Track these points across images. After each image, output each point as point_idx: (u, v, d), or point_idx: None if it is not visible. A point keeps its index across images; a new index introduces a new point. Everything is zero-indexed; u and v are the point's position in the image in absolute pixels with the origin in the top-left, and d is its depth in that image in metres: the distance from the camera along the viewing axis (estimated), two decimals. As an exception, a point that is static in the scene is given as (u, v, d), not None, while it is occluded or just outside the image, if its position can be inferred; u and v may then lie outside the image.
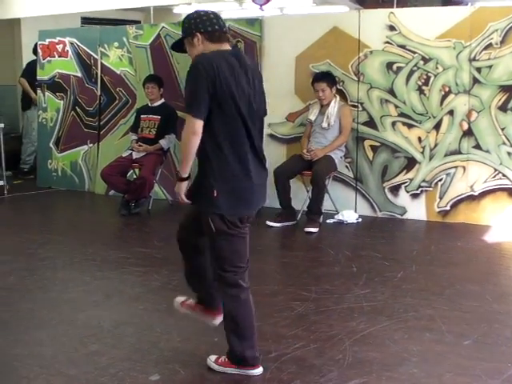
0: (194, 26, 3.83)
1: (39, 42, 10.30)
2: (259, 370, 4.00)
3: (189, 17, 3.90)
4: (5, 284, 5.77)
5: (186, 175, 3.83)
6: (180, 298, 4.45)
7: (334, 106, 7.66)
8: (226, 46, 3.87)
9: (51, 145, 10.27)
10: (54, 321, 4.94)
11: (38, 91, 10.36)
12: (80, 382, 3.94)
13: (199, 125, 3.67)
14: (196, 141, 3.69)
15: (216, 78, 3.66)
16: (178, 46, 4.04)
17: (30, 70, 10.59)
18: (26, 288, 5.70)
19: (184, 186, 3.85)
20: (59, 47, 10.09)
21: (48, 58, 10.18)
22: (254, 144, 3.87)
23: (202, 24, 3.81)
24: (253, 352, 4.00)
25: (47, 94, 10.23)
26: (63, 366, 4.12)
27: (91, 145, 9.85)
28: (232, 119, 3.76)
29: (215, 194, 3.75)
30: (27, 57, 11.16)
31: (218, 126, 3.73)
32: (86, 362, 4.10)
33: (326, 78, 7.70)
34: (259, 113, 3.97)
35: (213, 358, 4.11)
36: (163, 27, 9.03)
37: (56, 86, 10.14)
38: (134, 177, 8.66)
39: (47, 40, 10.19)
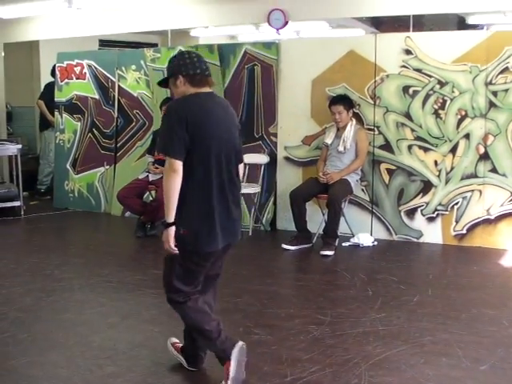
0: (177, 68, 4.01)
1: (57, 64, 10.38)
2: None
3: (173, 58, 4.11)
4: (21, 305, 5.78)
5: (172, 220, 3.85)
6: None
7: (351, 130, 7.67)
8: (206, 89, 4.03)
9: (68, 166, 10.32)
10: (69, 342, 4.95)
11: (56, 113, 10.43)
12: (95, 404, 3.96)
13: (178, 164, 3.77)
14: (178, 180, 3.78)
15: (187, 122, 3.79)
16: (164, 83, 4.17)
17: (48, 92, 10.66)
18: (42, 309, 5.72)
19: (172, 232, 3.86)
20: (77, 69, 10.16)
21: (66, 80, 10.25)
22: (223, 185, 3.95)
23: (185, 67, 3.98)
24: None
25: (65, 115, 10.29)
26: (78, 388, 4.13)
27: (108, 166, 9.89)
28: (202, 160, 3.87)
29: (181, 232, 3.87)
30: (45, 78, 11.23)
31: (188, 166, 3.82)
32: (101, 384, 4.10)
33: (343, 100, 7.72)
34: (234, 155, 4.07)
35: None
36: (180, 50, 9.07)
37: (73, 107, 10.21)
38: (151, 199, 8.68)
39: (65, 62, 10.26)
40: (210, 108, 3.95)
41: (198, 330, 4.13)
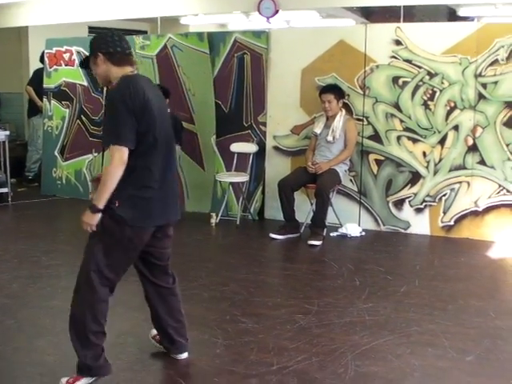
0: (96, 46, 3.96)
1: (46, 51, 10.33)
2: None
3: (94, 37, 4.05)
4: (8, 291, 5.78)
5: (102, 207, 3.78)
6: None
7: (340, 120, 7.66)
8: (129, 69, 3.94)
9: (56, 153, 10.28)
10: (56, 329, 4.93)
11: (44, 99, 10.38)
12: (81, 391, 3.95)
13: (126, 155, 3.69)
14: (122, 170, 3.70)
15: (136, 106, 3.73)
16: (86, 64, 4.09)
17: (37, 78, 10.61)
18: (29, 296, 5.71)
19: (97, 218, 3.80)
20: (66, 56, 10.11)
21: (55, 67, 10.20)
22: (166, 166, 3.95)
23: (105, 45, 3.92)
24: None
25: (53, 102, 10.25)
26: (65, 375, 4.09)
27: (96, 154, 9.85)
28: (147, 146, 3.81)
29: (117, 204, 3.79)
30: (34, 65, 11.18)
31: (138, 148, 3.76)
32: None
33: (334, 90, 7.71)
34: (171, 138, 4.07)
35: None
36: (170, 38, 9.05)
37: (62, 94, 10.17)
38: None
39: (54, 48, 10.21)
40: (148, 91, 3.88)
41: (83, 325, 3.91)
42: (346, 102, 7.91)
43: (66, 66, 10.12)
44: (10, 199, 9.67)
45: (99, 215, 3.78)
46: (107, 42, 3.92)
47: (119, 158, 3.68)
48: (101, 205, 3.75)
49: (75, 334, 3.91)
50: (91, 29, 12.57)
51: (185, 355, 4.38)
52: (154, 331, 4.53)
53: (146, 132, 3.77)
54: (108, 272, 3.91)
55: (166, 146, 3.95)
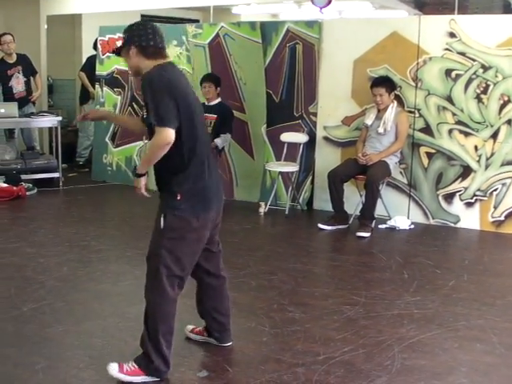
0: (130, 38, 3.95)
1: (99, 38, 10.42)
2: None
3: (127, 28, 4.01)
4: (58, 274, 5.88)
5: (144, 172, 3.92)
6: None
7: (391, 112, 7.60)
8: (161, 62, 3.91)
9: (107, 139, 10.38)
10: (105, 313, 5.02)
11: (97, 86, 10.49)
12: (129, 375, 4.00)
13: (173, 133, 3.69)
14: (166, 150, 3.72)
15: (175, 90, 3.75)
16: (118, 52, 4.10)
17: (90, 65, 10.72)
18: (79, 279, 5.81)
19: (144, 181, 3.92)
20: (119, 43, 10.09)
21: (107, 54, 10.29)
22: (208, 152, 4.01)
23: (138, 38, 3.90)
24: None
25: (105, 89, 10.35)
26: (113, 358, 4.16)
27: (146, 141, 9.88)
28: (191, 129, 3.84)
29: (179, 198, 3.82)
30: (87, 52, 11.29)
31: (183, 135, 3.78)
32: (135, 355, 4.12)
33: (385, 83, 7.66)
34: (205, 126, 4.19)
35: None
36: (222, 26, 9.07)
37: (114, 81, 10.26)
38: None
39: (107, 36, 10.30)
40: (182, 79, 3.96)
41: (155, 325, 3.92)
42: (398, 93, 7.85)
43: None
44: (61, 184, 9.82)
45: (144, 178, 3.91)
46: (141, 35, 3.90)
47: (165, 137, 3.67)
48: (143, 171, 3.90)
49: (147, 334, 3.94)
50: (144, 17, 12.63)
51: (230, 344, 4.42)
52: (190, 326, 4.56)
53: (189, 120, 3.80)
54: (177, 269, 3.90)
55: (205, 134, 4.03)
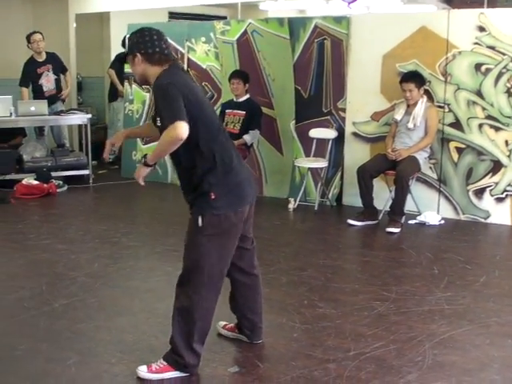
0: (135, 45, 3.92)
1: (128, 36, 10.44)
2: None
3: (132, 35, 4.00)
4: (89, 270, 5.93)
5: (152, 164, 3.90)
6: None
7: (421, 107, 7.55)
8: (167, 67, 3.92)
9: (136, 136, 10.42)
10: (135, 309, 5.06)
11: (125, 83, 10.54)
12: (160, 370, 4.03)
13: (187, 128, 3.64)
14: (178, 144, 3.68)
15: (185, 91, 3.75)
16: (125, 59, 4.10)
17: (118, 62, 10.75)
18: (110, 275, 5.85)
19: (147, 172, 3.92)
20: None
21: (136, 52, 10.31)
22: (230, 145, 4.02)
23: (144, 45, 3.88)
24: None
25: (134, 86, 10.39)
26: (144, 354, 4.21)
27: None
28: (210, 123, 3.88)
29: (213, 197, 3.81)
30: (115, 50, 11.34)
31: (201, 133, 3.80)
32: (165, 351, 4.15)
33: (415, 78, 7.60)
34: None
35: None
36: (250, 23, 9.07)
37: (143, 78, 10.27)
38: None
39: (136, 33, 10.32)
40: (188, 76, 4.06)
41: (192, 323, 3.94)
42: (427, 88, 7.80)
43: (147, 50, 10.21)
44: (91, 181, 9.90)
45: (149, 169, 3.90)
46: (146, 41, 3.88)
47: (178, 129, 3.61)
48: (152, 162, 3.88)
49: (179, 329, 3.94)
50: (171, 14, 12.70)
51: (261, 341, 4.43)
52: (222, 322, 4.57)
53: (204, 118, 3.83)
54: (217, 266, 3.93)
55: (224, 130, 4.05)
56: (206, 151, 3.80)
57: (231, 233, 3.91)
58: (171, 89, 3.71)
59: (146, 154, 3.94)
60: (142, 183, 3.94)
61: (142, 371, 3.97)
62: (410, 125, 7.55)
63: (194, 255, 3.89)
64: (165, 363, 3.99)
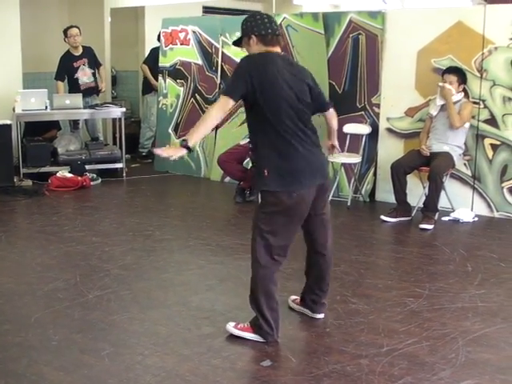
0: (250, 28, 4.33)
1: (162, 30, 10.50)
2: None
3: (246, 19, 4.39)
4: (123, 263, 5.97)
5: (192, 146, 4.15)
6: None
7: (458, 104, 7.50)
8: (277, 49, 4.34)
9: (170, 130, 10.46)
10: (168, 301, 5.09)
11: (160, 77, 10.57)
12: (193, 362, 4.06)
13: (229, 103, 4.10)
14: (221, 117, 4.24)
15: (252, 76, 4.10)
16: (238, 43, 4.47)
17: (153, 57, 10.82)
18: (143, 268, 5.88)
19: (182, 153, 4.21)
20: (181, 35, 10.25)
21: (170, 46, 10.37)
22: (297, 135, 4.21)
23: (257, 27, 4.29)
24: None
25: (168, 80, 10.43)
26: (177, 346, 4.24)
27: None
28: (277, 111, 4.14)
29: (266, 173, 4.15)
30: (150, 44, 11.40)
31: (264, 118, 4.15)
32: (199, 344, 4.19)
33: (459, 72, 7.52)
34: (307, 108, 4.32)
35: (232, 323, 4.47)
36: (285, 18, 9.05)
37: (177, 73, 10.32)
38: (251, 165, 8.72)
39: (170, 28, 10.37)
40: (278, 67, 4.20)
41: (259, 300, 4.33)
42: (466, 87, 7.71)
43: (181, 45, 10.26)
44: (124, 174, 9.95)
45: (185, 152, 4.19)
46: (259, 24, 4.27)
47: (223, 104, 4.12)
48: (191, 143, 4.15)
49: (252, 297, 4.36)
50: (205, 8, 12.74)
51: (322, 316, 4.73)
52: (293, 296, 4.92)
53: (274, 101, 4.13)
54: (274, 240, 4.27)
55: (295, 118, 4.22)
56: (268, 129, 4.15)
57: (285, 213, 4.21)
58: (239, 68, 4.21)
59: (184, 139, 4.15)
60: (165, 155, 4.25)
61: (230, 325, 4.43)
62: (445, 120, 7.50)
63: (254, 229, 4.32)
64: (249, 325, 4.38)
